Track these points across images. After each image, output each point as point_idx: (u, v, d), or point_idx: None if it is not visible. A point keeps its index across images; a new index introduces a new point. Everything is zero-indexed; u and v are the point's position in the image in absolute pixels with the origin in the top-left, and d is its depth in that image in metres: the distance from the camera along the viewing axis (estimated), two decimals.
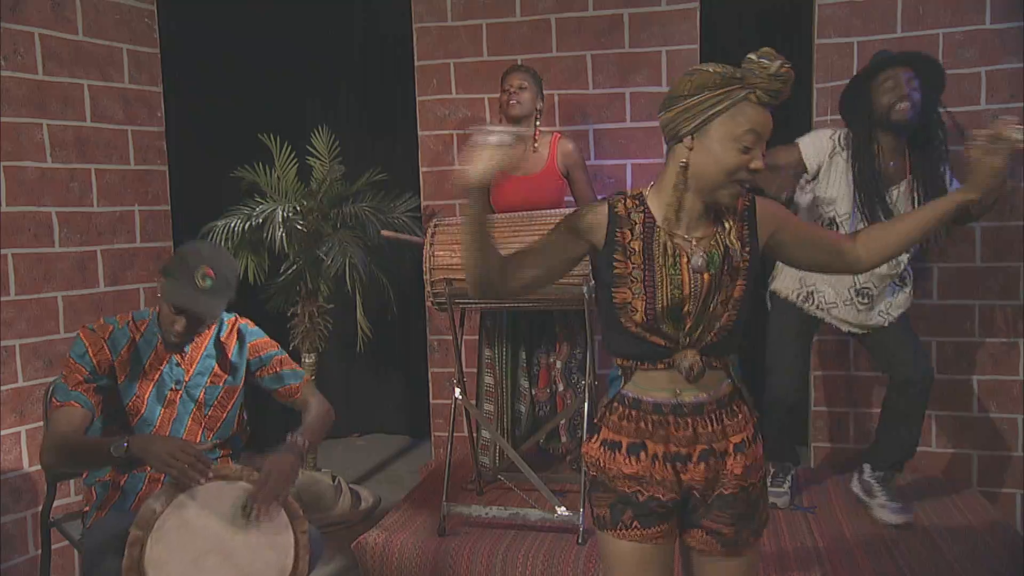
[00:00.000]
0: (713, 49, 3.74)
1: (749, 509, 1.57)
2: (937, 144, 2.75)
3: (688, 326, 1.51)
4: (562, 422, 3.22)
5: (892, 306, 2.85)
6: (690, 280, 1.50)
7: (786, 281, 2.93)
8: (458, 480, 3.24)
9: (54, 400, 2.10)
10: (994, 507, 3.01)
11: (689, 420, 1.54)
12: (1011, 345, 3.28)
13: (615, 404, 1.60)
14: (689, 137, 1.47)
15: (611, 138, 3.59)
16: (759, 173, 1.45)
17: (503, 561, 2.64)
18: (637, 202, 1.56)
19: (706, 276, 1.50)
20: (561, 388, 3.21)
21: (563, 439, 3.28)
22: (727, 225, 1.52)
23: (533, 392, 3.29)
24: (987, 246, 3.25)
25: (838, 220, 2.81)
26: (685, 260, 1.51)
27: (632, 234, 1.53)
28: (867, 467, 2.91)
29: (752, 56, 1.44)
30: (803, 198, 2.92)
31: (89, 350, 2.10)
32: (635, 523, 1.56)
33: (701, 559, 1.62)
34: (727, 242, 1.51)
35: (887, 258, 1.62)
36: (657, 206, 1.55)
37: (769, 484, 3.01)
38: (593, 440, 1.64)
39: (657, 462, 1.55)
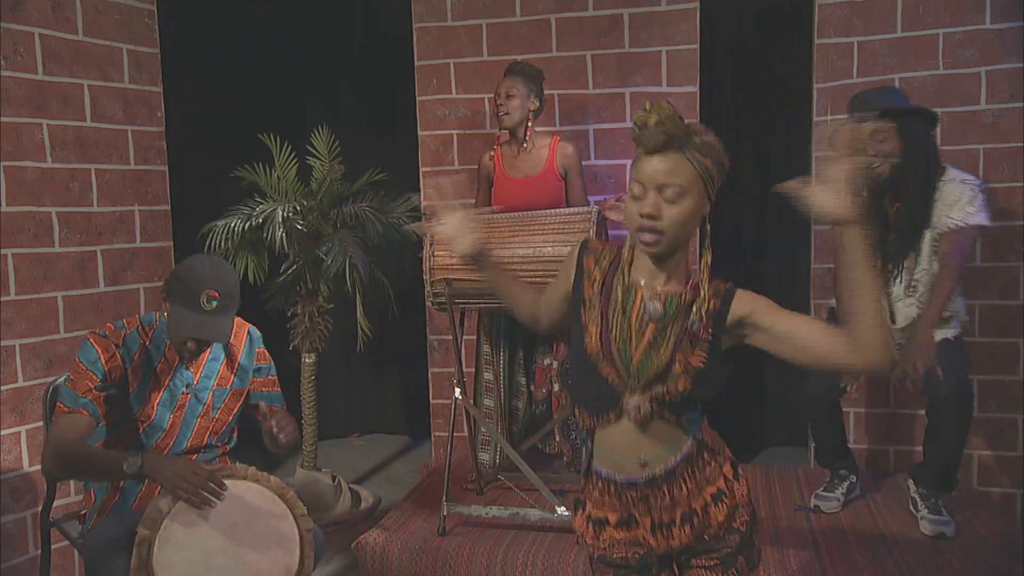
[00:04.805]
0: (713, 49, 3.74)
1: (738, 547, 1.58)
2: (924, 183, 2.61)
3: (636, 363, 1.50)
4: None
5: (903, 318, 2.76)
6: (638, 319, 1.52)
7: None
8: (458, 480, 3.24)
9: (61, 405, 2.04)
10: (994, 507, 3.01)
11: (665, 489, 1.55)
12: (1011, 345, 3.28)
13: (593, 477, 1.63)
14: None
15: (611, 138, 3.59)
16: (655, 219, 1.44)
17: (503, 561, 2.64)
18: (613, 247, 1.63)
19: (651, 325, 1.50)
20: (556, 388, 3.22)
21: (556, 437, 3.29)
22: (702, 294, 1.51)
23: (531, 389, 3.30)
24: (987, 246, 3.25)
25: None
26: (639, 299, 1.52)
27: (598, 267, 1.59)
28: (911, 483, 2.91)
29: None
30: None
31: (101, 356, 2.05)
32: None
33: None
34: (691, 306, 1.50)
35: (872, 327, 1.33)
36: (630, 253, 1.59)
37: (822, 490, 3.01)
38: (580, 516, 1.66)
39: (647, 531, 1.58)
